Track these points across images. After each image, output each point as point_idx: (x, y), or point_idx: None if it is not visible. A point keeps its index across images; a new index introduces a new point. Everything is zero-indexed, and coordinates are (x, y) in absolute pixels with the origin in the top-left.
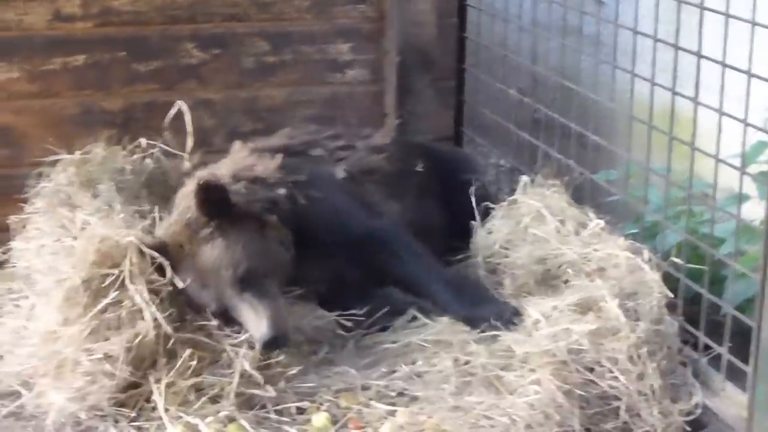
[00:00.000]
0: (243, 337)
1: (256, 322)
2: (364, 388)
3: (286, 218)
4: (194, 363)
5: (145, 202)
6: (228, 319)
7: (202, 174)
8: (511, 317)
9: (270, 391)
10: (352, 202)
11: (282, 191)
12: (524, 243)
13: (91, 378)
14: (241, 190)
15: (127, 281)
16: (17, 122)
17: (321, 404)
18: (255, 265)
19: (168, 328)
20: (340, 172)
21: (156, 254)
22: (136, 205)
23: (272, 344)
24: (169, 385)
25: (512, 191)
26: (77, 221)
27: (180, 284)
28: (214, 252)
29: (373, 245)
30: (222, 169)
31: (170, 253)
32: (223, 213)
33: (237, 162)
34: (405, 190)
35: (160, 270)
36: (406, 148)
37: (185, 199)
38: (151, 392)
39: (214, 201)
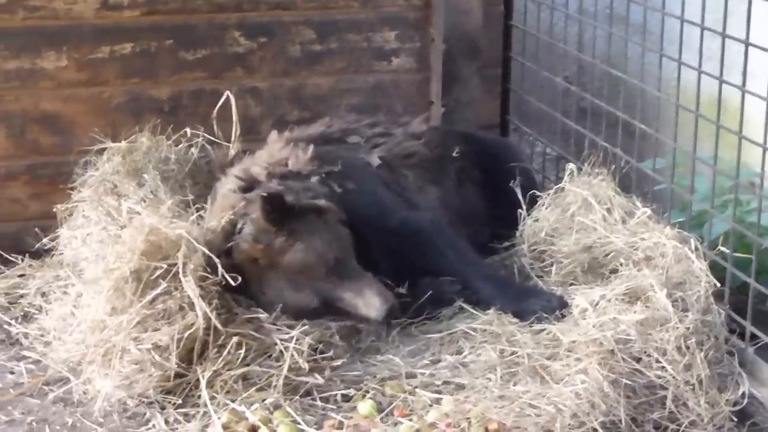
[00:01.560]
0: (294, 332)
1: (366, 303)
2: (410, 376)
3: (326, 198)
4: (242, 353)
5: (189, 192)
6: (331, 310)
7: (250, 182)
8: (559, 309)
9: (318, 378)
10: (387, 192)
11: (316, 181)
12: (571, 231)
13: (139, 366)
14: (279, 187)
15: (180, 275)
16: (65, 110)
17: (366, 392)
18: (337, 252)
19: (217, 323)
20: (375, 159)
21: (207, 251)
22: (180, 194)
23: (390, 315)
24: (216, 374)
25: (559, 179)
26: (123, 210)
27: (232, 282)
28: (297, 256)
29: (409, 236)
30: (256, 164)
31: (246, 271)
32: (288, 217)
33: (272, 155)
34: (444, 176)
35: (210, 265)
36: (445, 134)
37: (227, 200)
38: (197, 380)
39: (279, 211)
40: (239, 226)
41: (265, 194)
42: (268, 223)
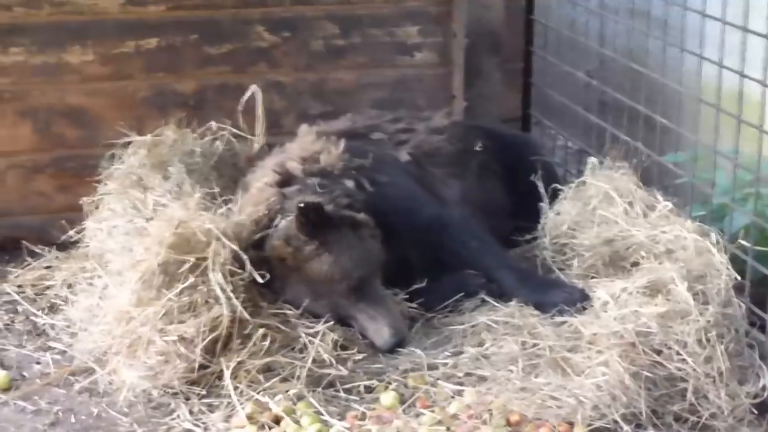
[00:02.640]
0: (319, 327)
1: (377, 330)
2: (432, 368)
3: (363, 208)
4: (266, 344)
5: (214, 185)
6: (345, 324)
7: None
8: (580, 301)
9: (341, 370)
10: (417, 187)
11: (350, 182)
12: (592, 224)
13: (165, 357)
14: (315, 188)
15: (209, 270)
16: (91, 104)
17: (389, 383)
18: (363, 271)
19: (245, 314)
20: (403, 155)
21: (235, 247)
22: (205, 186)
23: (396, 347)
24: (240, 365)
25: (580, 173)
26: (148, 203)
27: (259, 279)
28: (323, 267)
29: (438, 231)
30: (291, 159)
31: (273, 266)
32: (322, 228)
33: (304, 148)
34: (466, 170)
35: (238, 259)
36: (466, 128)
37: (262, 193)
38: (221, 371)
39: (314, 221)
40: (276, 221)
41: (302, 205)
42: (301, 231)
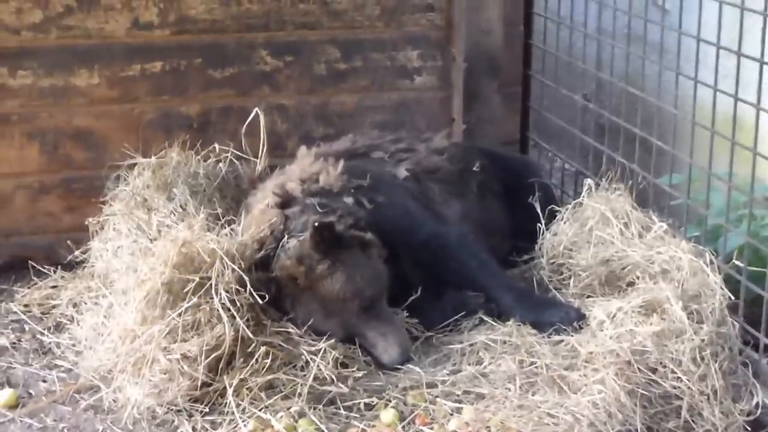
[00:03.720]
0: (321, 344)
1: (385, 348)
2: (431, 385)
3: (366, 227)
4: (268, 362)
5: (217, 206)
6: (351, 341)
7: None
8: (577, 321)
9: (342, 387)
10: (415, 205)
11: (349, 200)
12: (589, 245)
13: (168, 375)
14: (316, 208)
15: (213, 289)
16: (98, 126)
17: (389, 401)
18: (373, 290)
19: (248, 333)
20: (402, 172)
21: (237, 268)
22: (208, 208)
23: (401, 363)
24: (242, 383)
25: (577, 195)
26: (153, 223)
27: (259, 300)
28: (335, 286)
29: (437, 249)
30: (291, 180)
31: (282, 286)
32: (335, 246)
33: (303, 170)
34: (466, 190)
35: (241, 279)
36: (466, 149)
37: (264, 215)
38: (224, 388)
39: (328, 240)
40: (284, 241)
41: (317, 224)
42: (314, 251)
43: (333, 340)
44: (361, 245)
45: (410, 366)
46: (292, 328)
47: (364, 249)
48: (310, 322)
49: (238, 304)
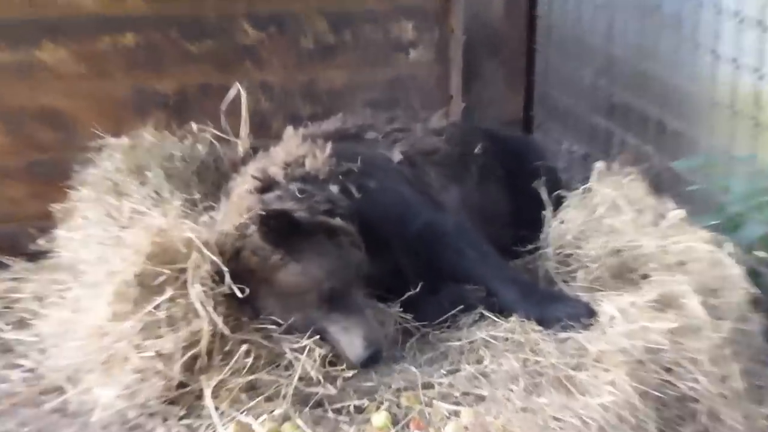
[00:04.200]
0: (306, 342)
1: (349, 343)
2: (427, 386)
3: (346, 214)
4: (249, 361)
5: (195, 191)
6: (324, 339)
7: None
8: (585, 316)
9: (329, 388)
10: (411, 190)
11: (335, 188)
12: (599, 234)
13: (141, 375)
14: (295, 193)
15: (189, 283)
16: (65, 105)
17: (381, 403)
18: (336, 280)
19: (226, 330)
20: (396, 154)
21: (216, 259)
22: (185, 193)
23: (369, 363)
24: (221, 383)
25: (586, 179)
26: (125, 210)
27: (238, 293)
28: (290, 278)
29: (433, 239)
30: (274, 164)
31: (244, 279)
32: (289, 236)
33: (289, 152)
34: (466, 174)
35: (219, 271)
36: (466, 130)
37: (243, 201)
38: (201, 390)
39: (279, 229)
40: (249, 230)
41: (263, 213)
42: (264, 241)
43: (318, 336)
44: (327, 232)
45: (405, 365)
46: (273, 324)
47: (331, 236)
48: (275, 318)
49: (215, 299)
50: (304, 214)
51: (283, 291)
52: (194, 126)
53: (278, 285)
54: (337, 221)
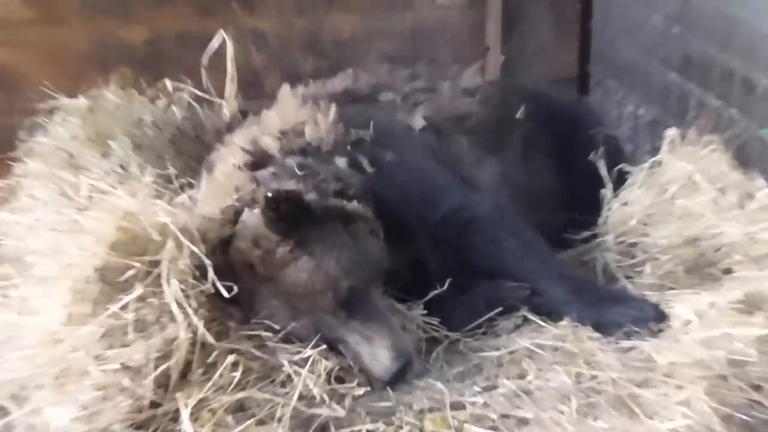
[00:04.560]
0: (308, 352)
1: (373, 356)
2: (457, 407)
3: (360, 195)
4: (237, 375)
5: (170, 164)
6: (337, 351)
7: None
8: (654, 321)
9: (337, 410)
10: (437, 165)
11: (342, 161)
12: (670, 218)
13: (103, 393)
14: (294, 170)
15: (163, 279)
16: (10, 58)
17: (400, 428)
18: (355, 278)
19: (209, 337)
20: (418, 121)
21: (197, 250)
22: (158, 167)
23: (398, 378)
24: (202, 403)
25: (655, 150)
26: (82, 188)
27: (225, 293)
28: (301, 275)
29: (465, 227)
30: (267, 133)
31: (233, 275)
32: (301, 221)
33: (285, 118)
34: (505, 144)
35: (200, 265)
36: (506, 90)
37: (230, 179)
38: (178, 411)
39: (288, 215)
40: (244, 215)
41: (270, 194)
42: (270, 230)
43: (323, 346)
44: (342, 219)
45: (429, 380)
46: (268, 331)
47: (347, 224)
48: (279, 324)
49: (196, 299)
50: (313, 197)
51: (290, 291)
52: (169, 84)
53: (285, 284)
54: (353, 205)
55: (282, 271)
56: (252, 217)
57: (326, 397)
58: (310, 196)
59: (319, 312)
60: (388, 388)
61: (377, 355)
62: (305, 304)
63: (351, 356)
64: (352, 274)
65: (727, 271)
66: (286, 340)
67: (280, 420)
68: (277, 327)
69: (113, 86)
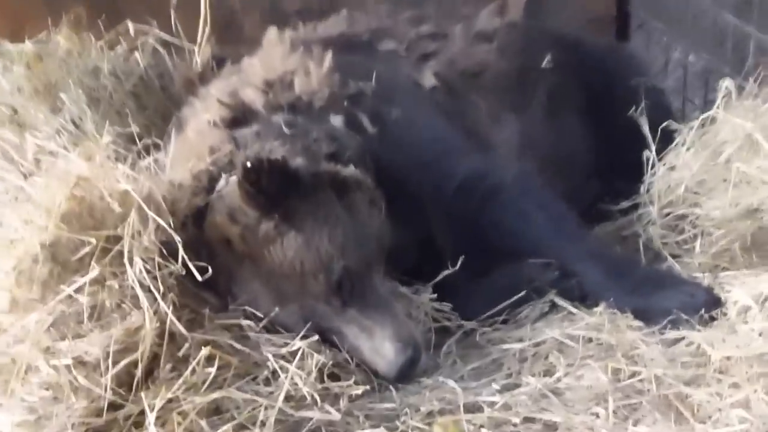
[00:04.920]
0: (297, 344)
1: (374, 348)
2: (473, 409)
3: (358, 159)
4: (213, 371)
5: (131, 121)
6: (330, 343)
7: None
8: (706, 307)
9: (331, 412)
10: (449, 125)
11: (338, 119)
12: (726, 186)
13: (53, 393)
14: (282, 128)
15: (125, 257)
16: None
17: None
18: (351, 258)
19: (179, 326)
20: (428, 77)
21: (164, 223)
22: (118, 125)
23: (403, 374)
24: (171, 404)
25: (708, 104)
26: (28, 150)
27: (198, 276)
28: (287, 253)
29: (481, 196)
30: (249, 84)
31: (209, 253)
32: (286, 195)
33: (270, 66)
34: (529, 100)
35: (169, 242)
36: (529, 34)
37: (204, 138)
38: (143, 412)
39: (271, 187)
40: (221, 183)
41: (249, 164)
42: (248, 205)
43: (314, 338)
44: (336, 188)
45: (440, 378)
46: (249, 319)
47: (341, 194)
48: (263, 311)
49: (164, 281)
50: (302, 162)
51: (275, 272)
52: (130, 26)
53: (268, 264)
54: (350, 170)
55: (265, 249)
56: (229, 186)
57: (318, 398)
58: (298, 161)
59: (309, 298)
60: (391, 386)
61: (379, 347)
62: (293, 288)
63: (347, 349)
64: (347, 252)
65: None
66: (271, 330)
67: (263, 424)
68: (260, 315)
69: (65, 29)
